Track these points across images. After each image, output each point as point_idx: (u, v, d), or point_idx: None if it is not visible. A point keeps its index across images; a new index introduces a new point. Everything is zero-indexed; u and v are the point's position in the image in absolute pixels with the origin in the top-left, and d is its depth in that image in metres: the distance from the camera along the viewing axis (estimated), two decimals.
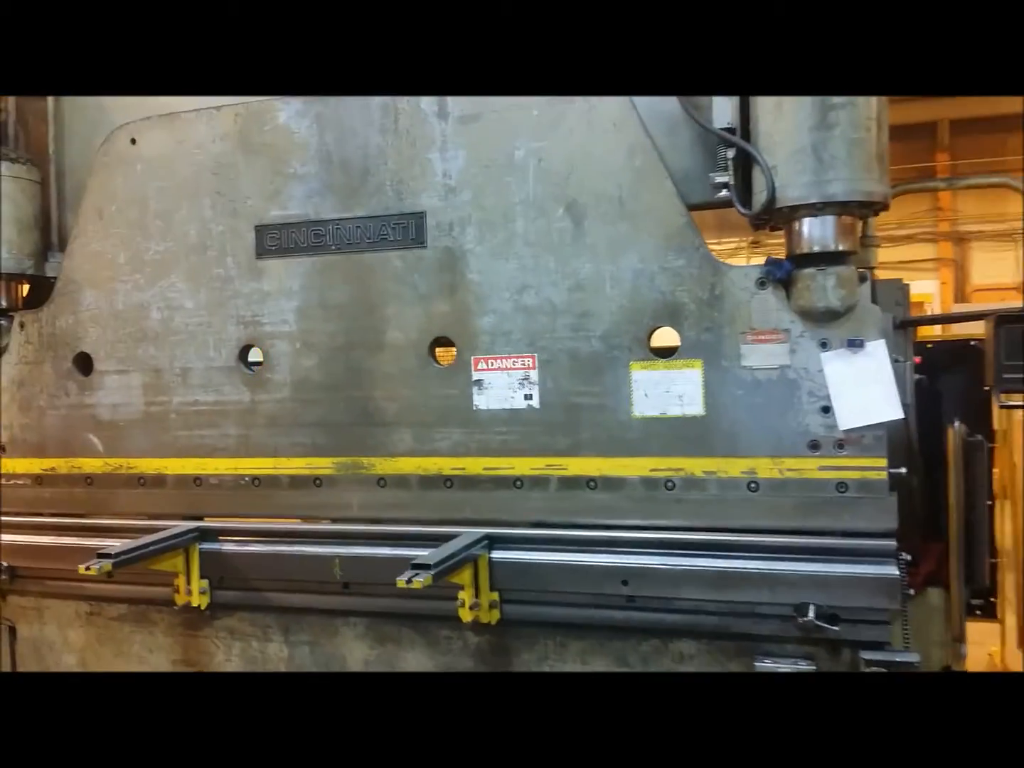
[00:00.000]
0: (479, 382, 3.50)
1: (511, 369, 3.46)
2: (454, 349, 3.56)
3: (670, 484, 3.31)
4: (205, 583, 3.78)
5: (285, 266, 3.73)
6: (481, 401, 3.50)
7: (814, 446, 3.15)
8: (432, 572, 2.96)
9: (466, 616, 3.27)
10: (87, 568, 3.32)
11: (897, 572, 2.96)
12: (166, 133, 3.89)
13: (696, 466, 3.28)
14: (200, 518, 3.91)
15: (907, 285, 4.00)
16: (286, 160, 3.71)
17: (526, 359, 3.44)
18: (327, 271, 3.68)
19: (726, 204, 3.24)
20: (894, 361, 3.18)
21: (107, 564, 3.35)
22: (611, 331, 3.34)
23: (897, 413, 3.09)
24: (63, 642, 4.18)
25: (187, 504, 3.92)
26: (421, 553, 3.16)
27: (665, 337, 3.34)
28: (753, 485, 3.22)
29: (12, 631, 4.25)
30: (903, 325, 3.84)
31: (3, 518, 4.15)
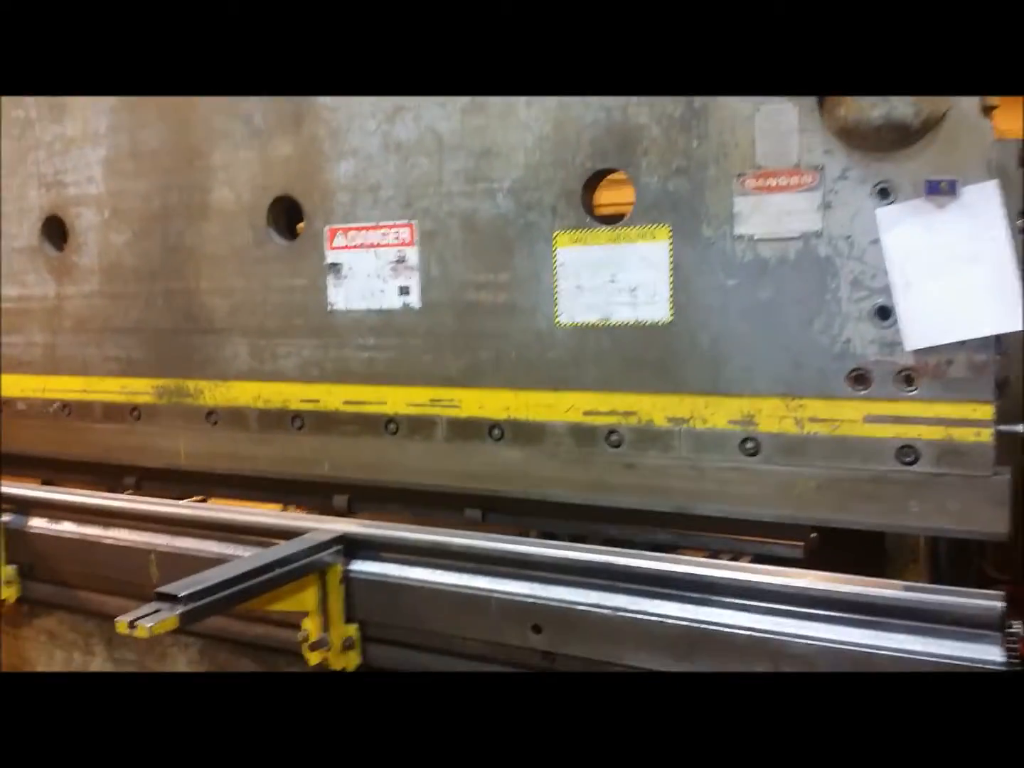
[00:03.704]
0: (336, 267, 2.24)
1: (380, 246, 2.18)
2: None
3: (615, 437, 1.97)
4: (12, 571, 2.70)
5: (90, 97, 2.54)
6: (339, 297, 2.24)
7: (860, 380, 1.75)
8: (180, 611, 1.75)
9: (312, 658, 2.05)
10: None
11: (1002, 662, 1.49)
12: None
13: (657, 408, 1.93)
14: (8, 456, 2.84)
15: None
16: None
17: (401, 230, 2.15)
18: (139, 102, 2.47)
19: None
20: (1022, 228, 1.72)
21: None
22: (526, 180, 2.01)
23: (1016, 322, 1.64)
24: None
25: None
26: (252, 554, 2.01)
27: (613, 189, 1.97)
28: (750, 444, 1.85)
29: None
30: None
31: None
